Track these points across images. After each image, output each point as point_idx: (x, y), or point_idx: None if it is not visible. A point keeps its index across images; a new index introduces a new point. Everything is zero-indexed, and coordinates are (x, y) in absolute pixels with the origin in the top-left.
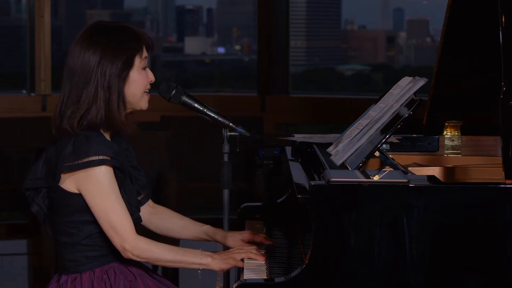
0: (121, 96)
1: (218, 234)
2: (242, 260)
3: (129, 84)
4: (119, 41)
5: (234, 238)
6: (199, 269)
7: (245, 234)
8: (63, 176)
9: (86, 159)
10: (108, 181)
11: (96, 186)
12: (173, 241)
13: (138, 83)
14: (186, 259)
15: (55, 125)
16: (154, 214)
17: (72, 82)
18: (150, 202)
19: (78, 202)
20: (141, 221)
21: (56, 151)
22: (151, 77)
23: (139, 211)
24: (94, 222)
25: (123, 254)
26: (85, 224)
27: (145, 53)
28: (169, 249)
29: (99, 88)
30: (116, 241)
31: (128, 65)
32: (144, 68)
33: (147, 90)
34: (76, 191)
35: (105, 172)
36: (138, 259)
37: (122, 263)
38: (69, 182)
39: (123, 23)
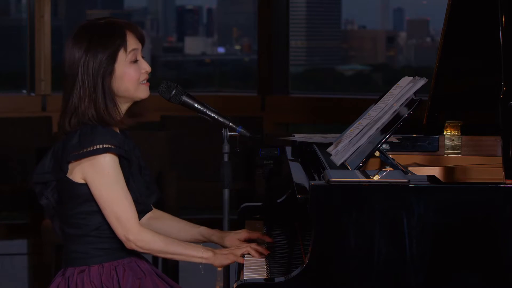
0: (107, 93)
1: (214, 235)
2: (243, 256)
3: (117, 79)
4: (101, 38)
5: (231, 238)
6: (201, 264)
7: (242, 234)
8: (70, 166)
9: (91, 148)
10: (113, 170)
11: (101, 175)
12: None
13: (128, 77)
14: (188, 252)
15: (58, 128)
16: (153, 218)
17: (64, 87)
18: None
19: (86, 192)
20: (151, 209)
21: (63, 144)
22: (145, 67)
23: (149, 202)
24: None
25: (126, 245)
26: (94, 214)
27: (132, 46)
28: (171, 242)
29: (84, 88)
30: (120, 232)
31: (111, 61)
32: (135, 61)
33: (144, 81)
34: (83, 181)
35: (110, 161)
36: (140, 250)
37: (133, 260)
38: (76, 172)
39: (108, 18)
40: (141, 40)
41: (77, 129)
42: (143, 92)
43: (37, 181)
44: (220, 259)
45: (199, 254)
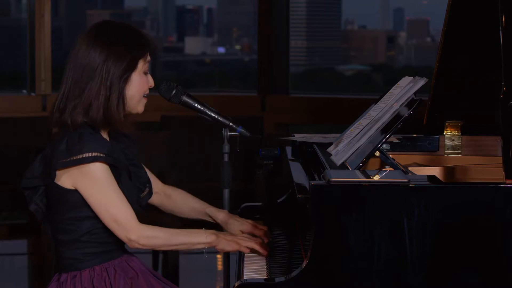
0: (121, 96)
1: (220, 214)
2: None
3: (130, 86)
4: (127, 42)
5: (234, 227)
6: (204, 248)
7: (246, 226)
8: (58, 173)
9: (80, 156)
10: (104, 175)
11: (93, 182)
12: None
13: (138, 86)
14: (191, 240)
15: (53, 119)
16: (164, 199)
17: (75, 76)
18: (159, 185)
19: (74, 198)
20: (142, 211)
21: (51, 149)
22: (151, 82)
23: (140, 207)
24: (92, 217)
25: (129, 245)
26: (83, 220)
27: (148, 58)
28: (173, 233)
29: (101, 86)
30: (121, 233)
31: (131, 67)
32: (145, 73)
33: (145, 95)
34: (71, 188)
35: (100, 167)
36: (145, 248)
37: (124, 260)
38: (65, 179)
39: (132, 25)
40: (154, 56)
41: (64, 136)
42: (141, 107)
43: (25, 185)
44: (223, 243)
45: (203, 240)
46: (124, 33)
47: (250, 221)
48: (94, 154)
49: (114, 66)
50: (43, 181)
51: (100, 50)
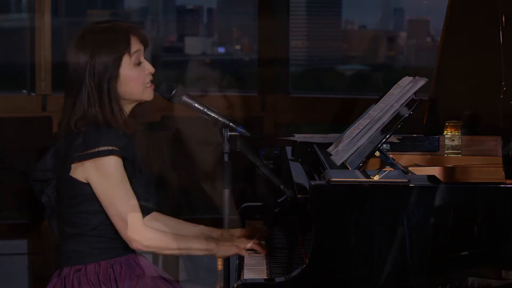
0: (113, 97)
1: (214, 231)
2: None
3: (123, 83)
4: (105, 44)
5: (229, 236)
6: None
7: (241, 231)
8: (73, 166)
9: (96, 149)
10: (117, 171)
11: (105, 176)
12: None
13: (133, 80)
14: (191, 245)
15: (59, 128)
16: (151, 220)
17: (67, 90)
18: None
19: (87, 191)
20: (152, 211)
21: (66, 143)
22: (149, 68)
23: (151, 202)
24: (103, 212)
25: (130, 245)
26: (94, 214)
27: (135, 48)
28: (175, 237)
29: (90, 94)
30: (125, 232)
31: (116, 66)
32: (139, 63)
33: (149, 83)
34: (85, 181)
35: (115, 162)
36: (146, 249)
37: (130, 257)
38: (79, 172)
39: (111, 22)
40: (144, 42)
41: (81, 130)
42: (148, 95)
43: (36, 178)
44: (223, 250)
45: (203, 246)
46: (102, 34)
47: (241, 229)
48: (110, 147)
49: (98, 69)
50: (55, 174)
51: (82, 57)
